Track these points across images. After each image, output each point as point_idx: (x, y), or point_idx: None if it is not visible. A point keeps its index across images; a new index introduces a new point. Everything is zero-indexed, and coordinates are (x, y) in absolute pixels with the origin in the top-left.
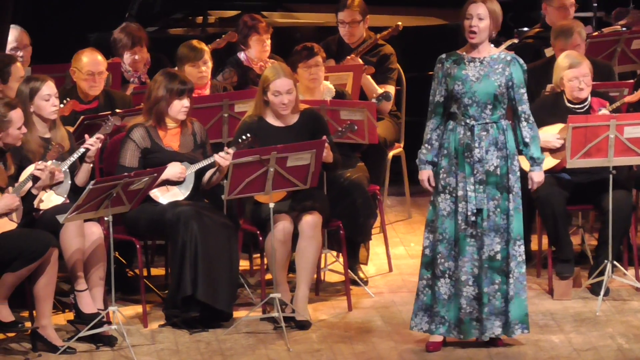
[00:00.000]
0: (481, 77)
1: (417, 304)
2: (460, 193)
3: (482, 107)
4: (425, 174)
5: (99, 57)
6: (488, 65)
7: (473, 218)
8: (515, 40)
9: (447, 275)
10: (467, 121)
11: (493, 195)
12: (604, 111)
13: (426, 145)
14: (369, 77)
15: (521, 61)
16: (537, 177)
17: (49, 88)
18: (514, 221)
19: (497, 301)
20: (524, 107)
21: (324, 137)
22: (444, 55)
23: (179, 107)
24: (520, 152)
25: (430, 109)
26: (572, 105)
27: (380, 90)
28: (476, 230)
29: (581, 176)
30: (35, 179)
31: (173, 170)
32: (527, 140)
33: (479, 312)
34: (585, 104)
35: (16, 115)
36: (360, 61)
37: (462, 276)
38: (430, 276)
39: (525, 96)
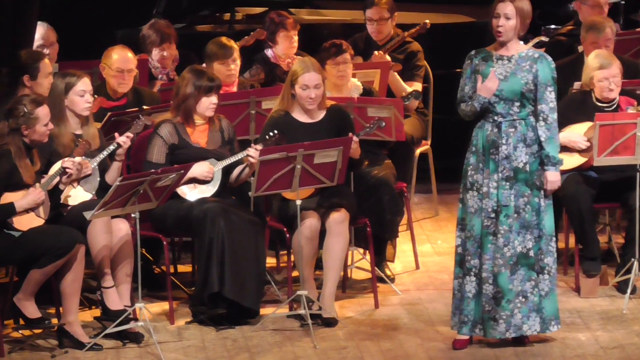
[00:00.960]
0: (508, 74)
1: (454, 304)
2: (484, 190)
3: (510, 104)
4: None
5: (129, 55)
6: (516, 63)
7: (492, 215)
8: (543, 38)
9: (472, 273)
10: (495, 118)
11: (522, 192)
12: (632, 110)
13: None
14: (396, 74)
15: (549, 59)
16: (552, 176)
17: (84, 84)
18: (546, 217)
19: (536, 297)
20: (544, 107)
21: (350, 135)
22: (473, 52)
23: (207, 104)
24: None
25: (459, 100)
26: (600, 104)
27: (409, 89)
28: (498, 228)
29: (608, 174)
30: (63, 172)
31: (200, 169)
32: (542, 139)
33: (496, 311)
34: (614, 102)
35: (43, 112)
36: (388, 58)
37: (483, 274)
38: (459, 272)
39: (548, 95)
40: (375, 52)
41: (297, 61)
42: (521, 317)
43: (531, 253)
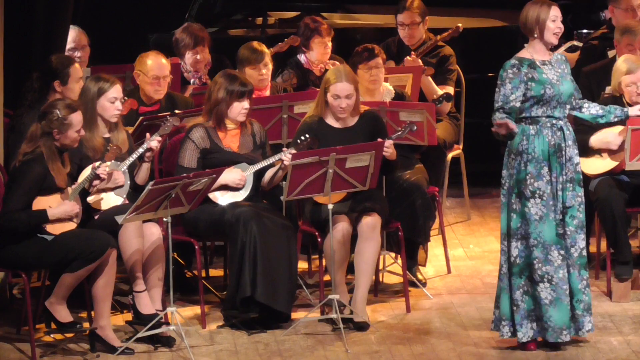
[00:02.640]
0: (559, 78)
1: (519, 314)
2: (553, 194)
3: (564, 106)
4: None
5: (164, 61)
6: (557, 66)
7: (561, 217)
8: (576, 42)
9: (545, 280)
10: (554, 122)
11: (578, 192)
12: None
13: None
14: (429, 78)
15: (565, 58)
16: (634, 110)
17: (116, 91)
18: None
19: (587, 297)
20: (579, 95)
21: (379, 140)
22: (515, 61)
23: (239, 109)
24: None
25: (500, 109)
26: None
27: (440, 92)
28: (564, 229)
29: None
30: (96, 176)
31: (232, 176)
32: (602, 112)
33: (573, 310)
34: None
35: (76, 118)
36: (420, 62)
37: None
38: (527, 282)
39: (577, 87)
40: (408, 57)
41: (332, 69)
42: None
43: (584, 252)
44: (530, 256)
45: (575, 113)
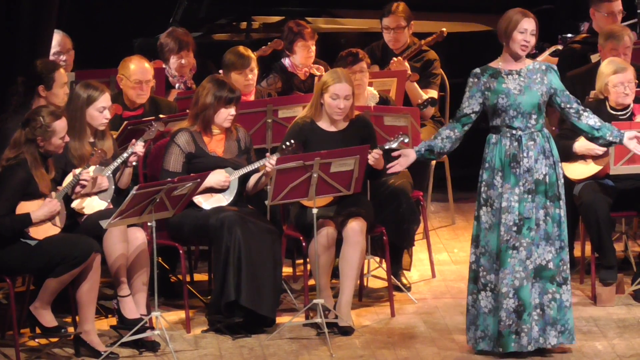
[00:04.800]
0: (523, 88)
1: (468, 319)
2: (504, 204)
3: (527, 117)
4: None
5: (147, 65)
6: (527, 77)
7: (514, 229)
8: (559, 47)
9: (488, 289)
10: (513, 132)
11: (543, 203)
12: None
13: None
14: (414, 84)
15: (555, 67)
16: (630, 137)
17: (105, 100)
18: (565, 229)
19: (552, 311)
20: (575, 105)
21: (368, 146)
22: (478, 70)
23: (225, 115)
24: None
25: (456, 116)
26: (614, 112)
27: (425, 96)
28: (520, 241)
29: (625, 182)
30: (77, 182)
31: (217, 178)
32: (598, 126)
33: (518, 324)
34: (628, 110)
35: (60, 125)
36: (407, 65)
37: (502, 288)
38: (473, 288)
39: (570, 95)
40: (394, 58)
41: (329, 71)
42: (538, 330)
43: (551, 265)
44: (478, 263)
45: (572, 121)
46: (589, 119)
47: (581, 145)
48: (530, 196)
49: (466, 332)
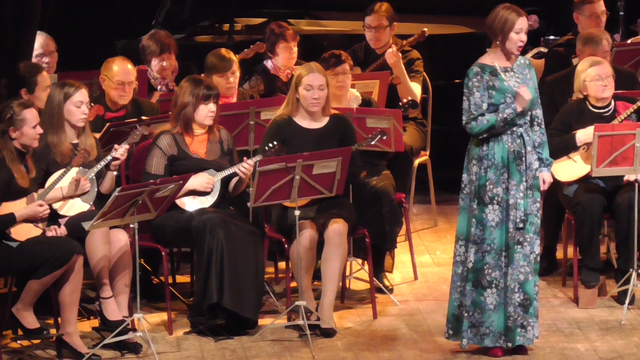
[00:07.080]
0: (520, 85)
1: (469, 321)
2: (511, 202)
3: (525, 113)
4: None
5: (129, 67)
6: (518, 72)
7: (521, 225)
8: (542, 49)
9: (493, 286)
10: (515, 129)
11: (536, 197)
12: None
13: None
14: (407, 81)
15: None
16: (549, 177)
17: (81, 95)
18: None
19: (537, 302)
20: (538, 112)
21: (350, 147)
22: (477, 69)
23: (205, 111)
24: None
25: (476, 118)
26: (597, 110)
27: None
28: (524, 236)
29: (608, 183)
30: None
31: (200, 180)
32: (537, 143)
33: (524, 318)
34: (610, 107)
35: (30, 114)
36: (401, 55)
37: (510, 284)
38: (473, 289)
39: (538, 99)
40: (389, 50)
41: (301, 66)
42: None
43: (538, 259)
44: (482, 261)
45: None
46: (536, 134)
47: (584, 133)
48: (531, 192)
49: (463, 335)
